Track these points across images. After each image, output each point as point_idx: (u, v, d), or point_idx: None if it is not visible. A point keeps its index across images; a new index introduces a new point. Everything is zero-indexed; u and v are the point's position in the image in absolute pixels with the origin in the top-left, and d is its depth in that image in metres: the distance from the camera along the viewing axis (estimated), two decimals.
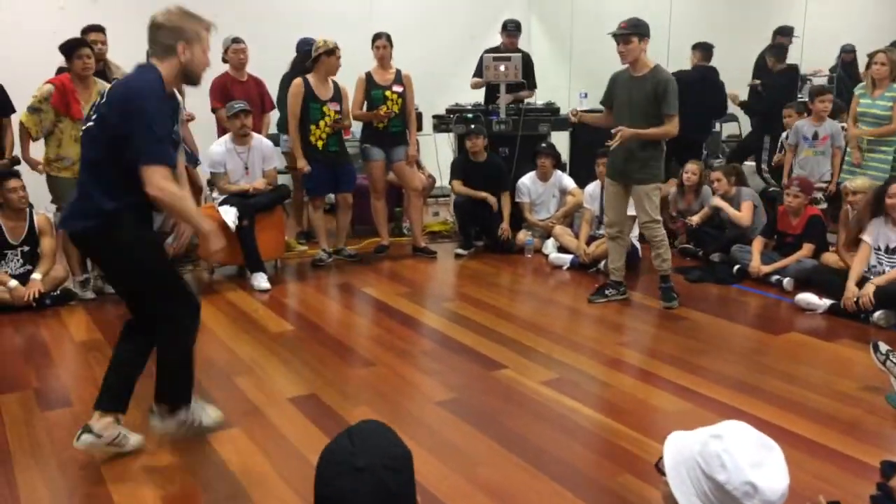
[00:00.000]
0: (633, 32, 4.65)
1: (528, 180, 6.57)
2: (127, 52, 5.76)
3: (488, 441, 3.17)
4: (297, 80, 5.80)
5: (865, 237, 4.83)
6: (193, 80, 2.90)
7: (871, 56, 5.86)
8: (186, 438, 3.17)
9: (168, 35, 2.79)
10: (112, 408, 2.97)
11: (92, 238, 2.88)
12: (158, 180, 2.66)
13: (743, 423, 1.58)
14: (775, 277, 5.38)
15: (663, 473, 1.59)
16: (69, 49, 4.84)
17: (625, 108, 4.82)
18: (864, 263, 4.80)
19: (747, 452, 1.50)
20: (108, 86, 5.09)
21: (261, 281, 5.41)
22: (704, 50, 7.38)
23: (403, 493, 1.33)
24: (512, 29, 6.97)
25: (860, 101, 5.84)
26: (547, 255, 6.25)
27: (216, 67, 6.24)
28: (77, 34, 5.27)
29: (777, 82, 7.61)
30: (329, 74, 5.82)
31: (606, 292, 5.11)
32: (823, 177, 6.12)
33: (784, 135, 6.76)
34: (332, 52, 5.74)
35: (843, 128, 6.30)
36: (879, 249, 4.79)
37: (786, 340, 4.43)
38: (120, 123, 2.68)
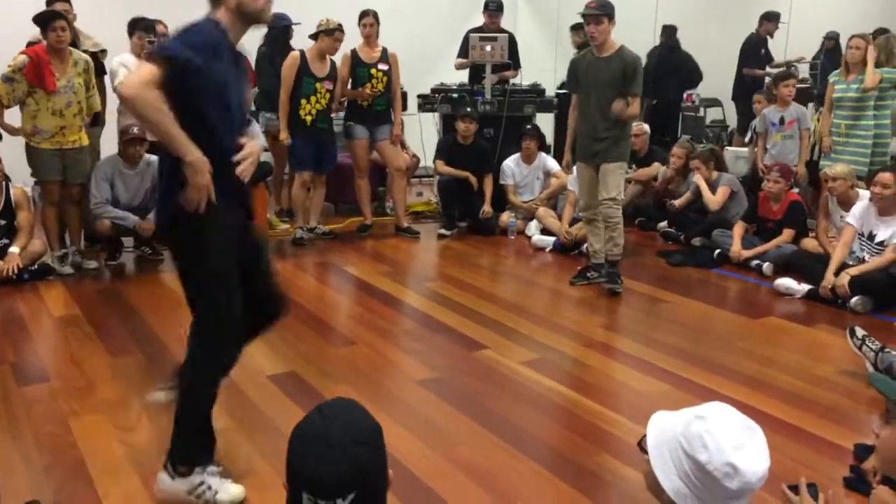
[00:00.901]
0: (604, 13, 4.63)
1: (512, 162, 6.56)
2: (100, 21, 5.73)
3: (468, 420, 3.18)
4: (294, 53, 5.79)
5: (850, 220, 4.86)
6: (254, 18, 2.42)
7: (848, 41, 5.91)
8: (165, 415, 3.17)
9: None
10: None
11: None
12: None
13: (726, 405, 1.59)
14: (755, 262, 5.42)
15: (646, 452, 1.60)
16: (43, 21, 4.75)
17: (591, 89, 4.80)
18: (848, 248, 4.84)
19: (730, 434, 1.51)
20: (84, 56, 5.03)
21: None
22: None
23: (374, 466, 1.35)
24: (493, 8, 6.93)
25: (835, 88, 5.87)
26: (530, 237, 6.26)
27: None
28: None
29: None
30: (325, 53, 5.80)
31: (588, 275, 5.12)
32: (794, 161, 6.17)
33: (753, 123, 6.87)
34: (330, 32, 5.72)
35: (815, 114, 6.38)
36: (863, 236, 4.83)
37: (764, 324, 4.47)
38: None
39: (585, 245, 5.80)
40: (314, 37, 5.80)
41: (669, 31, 8.59)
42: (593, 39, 4.73)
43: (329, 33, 5.72)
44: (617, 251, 4.92)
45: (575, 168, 6.10)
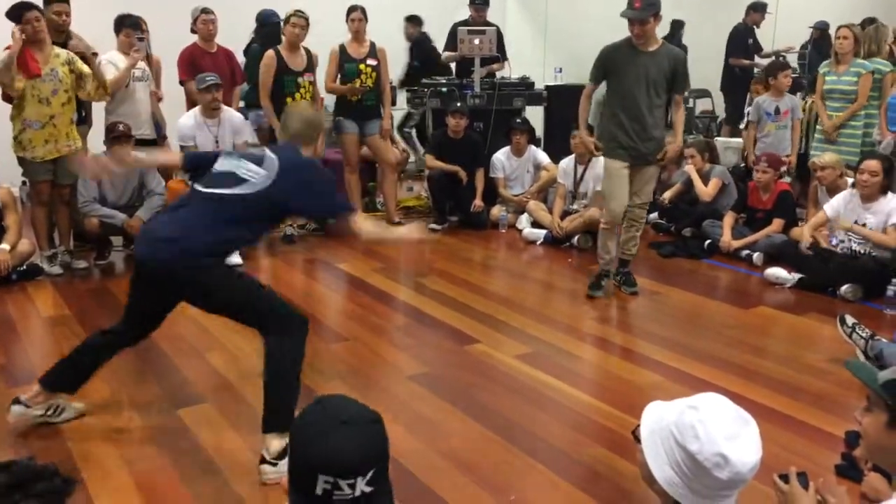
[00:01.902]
0: (651, 12, 4.26)
1: (502, 156, 6.56)
2: (91, 24, 5.67)
3: (461, 415, 3.18)
4: (270, 52, 5.72)
5: (827, 209, 4.91)
6: None
7: (836, 31, 5.94)
8: (157, 415, 3.16)
9: (314, 128, 3.05)
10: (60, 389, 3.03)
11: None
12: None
13: (721, 396, 1.60)
14: (745, 252, 5.43)
15: (640, 441, 1.60)
16: (17, 16, 4.69)
17: (638, 85, 4.40)
18: (813, 229, 4.96)
19: (721, 424, 1.52)
20: (64, 52, 4.96)
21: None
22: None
23: (386, 445, 1.37)
24: (479, 2, 6.92)
25: (826, 79, 5.89)
26: (521, 231, 6.25)
27: (185, 38, 6.16)
28: None
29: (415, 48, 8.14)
30: (292, 43, 5.74)
31: (602, 283, 4.74)
32: (786, 151, 6.19)
33: (746, 111, 6.90)
34: (286, 20, 5.69)
35: (806, 105, 6.39)
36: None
37: (755, 314, 4.48)
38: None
39: (576, 237, 5.82)
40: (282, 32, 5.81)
41: (675, 27, 8.61)
42: (638, 38, 4.36)
43: (286, 21, 5.71)
44: (635, 251, 4.81)
45: (567, 159, 6.15)
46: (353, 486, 1.28)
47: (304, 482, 1.30)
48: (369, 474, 1.30)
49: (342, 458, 1.28)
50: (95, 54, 5.58)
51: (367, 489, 1.30)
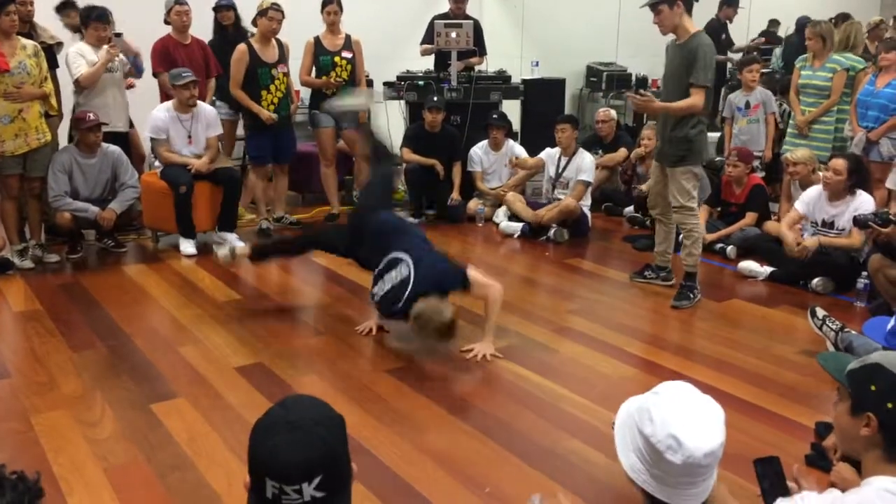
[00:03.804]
0: (659, 0, 4.13)
1: (479, 150, 6.56)
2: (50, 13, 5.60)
3: (437, 408, 3.18)
4: (241, 47, 5.67)
5: (798, 205, 4.96)
6: None
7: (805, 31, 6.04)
8: (130, 410, 3.13)
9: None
10: None
11: None
12: None
13: (687, 384, 1.61)
14: (719, 245, 5.48)
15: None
16: None
17: (665, 80, 4.44)
18: (792, 226, 4.96)
19: (677, 408, 1.52)
20: (31, 44, 4.89)
21: (187, 246, 5.37)
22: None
23: (338, 450, 1.33)
24: None
25: (801, 73, 5.96)
26: (498, 224, 6.26)
27: (159, 30, 6.08)
28: None
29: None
30: (266, 36, 5.69)
31: (646, 273, 4.84)
32: (759, 145, 6.25)
33: (720, 106, 6.99)
34: (263, 12, 5.63)
35: (781, 106, 6.46)
36: (815, 223, 4.91)
37: (728, 307, 4.53)
38: None
39: (552, 231, 5.84)
40: (255, 23, 5.75)
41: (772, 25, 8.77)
42: (660, 28, 4.24)
43: (262, 13, 5.65)
44: (690, 261, 4.51)
45: (554, 150, 6.17)
46: (299, 492, 1.26)
47: (258, 484, 1.29)
48: (316, 480, 1.27)
49: (283, 464, 1.26)
50: (60, 44, 5.50)
51: (318, 494, 1.27)
